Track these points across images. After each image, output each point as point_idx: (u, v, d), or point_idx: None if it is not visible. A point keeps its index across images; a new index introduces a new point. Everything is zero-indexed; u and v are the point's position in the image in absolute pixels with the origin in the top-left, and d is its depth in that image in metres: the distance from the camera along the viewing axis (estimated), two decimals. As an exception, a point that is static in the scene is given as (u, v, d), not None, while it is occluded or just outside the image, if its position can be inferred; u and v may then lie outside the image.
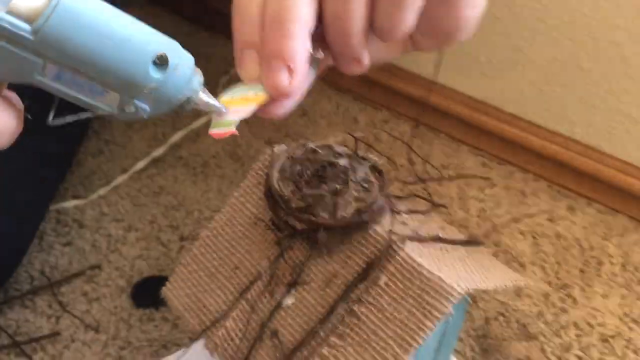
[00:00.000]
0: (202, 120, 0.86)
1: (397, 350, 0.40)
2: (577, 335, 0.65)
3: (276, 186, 0.46)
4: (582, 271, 0.71)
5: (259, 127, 0.88)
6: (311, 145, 0.48)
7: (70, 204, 0.76)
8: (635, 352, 0.63)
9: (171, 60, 0.29)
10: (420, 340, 0.40)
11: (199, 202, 0.77)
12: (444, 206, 0.58)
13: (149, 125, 0.88)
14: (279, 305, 0.45)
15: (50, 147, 0.69)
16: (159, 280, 0.69)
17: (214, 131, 0.33)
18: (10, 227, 0.64)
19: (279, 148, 0.50)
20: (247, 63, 0.33)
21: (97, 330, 0.64)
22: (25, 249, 0.68)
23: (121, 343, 0.63)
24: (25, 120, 0.31)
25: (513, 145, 0.82)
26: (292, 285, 0.45)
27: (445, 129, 0.86)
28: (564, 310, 0.67)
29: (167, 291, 0.51)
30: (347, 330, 0.42)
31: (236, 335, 0.46)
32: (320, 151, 0.48)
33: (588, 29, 0.71)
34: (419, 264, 0.41)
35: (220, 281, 0.48)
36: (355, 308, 0.42)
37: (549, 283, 0.70)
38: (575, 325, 0.66)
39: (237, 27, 0.33)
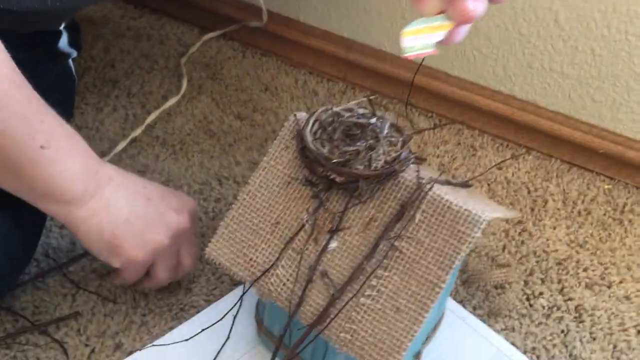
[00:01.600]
0: (173, 101, 0.89)
1: (439, 272, 0.48)
2: (537, 262, 0.76)
3: (312, 147, 0.52)
4: (532, 209, 0.82)
5: (226, 104, 0.92)
6: (335, 109, 0.54)
7: (57, 188, 0.77)
8: (585, 270, 0.75)
9: None
10: (457, 262, 0.48)
11: (185, 177, 0.81)
12: (425, 159, 0.66)
13: (118, 108, 0.90)
14: (324, 250, 0.52)
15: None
16: (165, 251, 0.73)
17: (411, 54, 0.39)
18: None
19: (300, 114, 0.56)
20: (429, 0, 0.40)
21: (115, 302, 0.67)
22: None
23: (142, 311, 0.66)
24: None
25: (460, 105, 0.91)
26: (334, 231, 0.52)
27: (398, 95, 0.94)
28: (523, 243, 0.78)
29: (211, 251, 0.55)
30: (391, 263, 0.50)
31: (288, 280, 0.52)
32: (343, 113, 0.54)
33: (528, -2, 0.81)
34: (447, 200, 0.49)
35: (263, 236, 0.54)
36: (396, 243, 0.50)
37: (507, 221, 0.80)
38: (534, 253, 0.77)
39: None
